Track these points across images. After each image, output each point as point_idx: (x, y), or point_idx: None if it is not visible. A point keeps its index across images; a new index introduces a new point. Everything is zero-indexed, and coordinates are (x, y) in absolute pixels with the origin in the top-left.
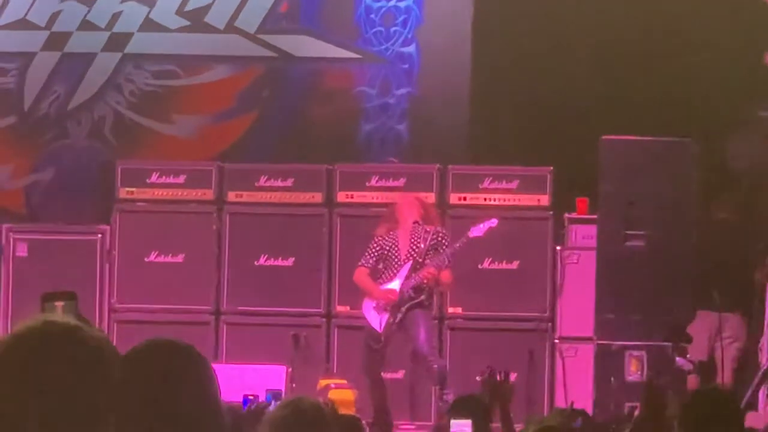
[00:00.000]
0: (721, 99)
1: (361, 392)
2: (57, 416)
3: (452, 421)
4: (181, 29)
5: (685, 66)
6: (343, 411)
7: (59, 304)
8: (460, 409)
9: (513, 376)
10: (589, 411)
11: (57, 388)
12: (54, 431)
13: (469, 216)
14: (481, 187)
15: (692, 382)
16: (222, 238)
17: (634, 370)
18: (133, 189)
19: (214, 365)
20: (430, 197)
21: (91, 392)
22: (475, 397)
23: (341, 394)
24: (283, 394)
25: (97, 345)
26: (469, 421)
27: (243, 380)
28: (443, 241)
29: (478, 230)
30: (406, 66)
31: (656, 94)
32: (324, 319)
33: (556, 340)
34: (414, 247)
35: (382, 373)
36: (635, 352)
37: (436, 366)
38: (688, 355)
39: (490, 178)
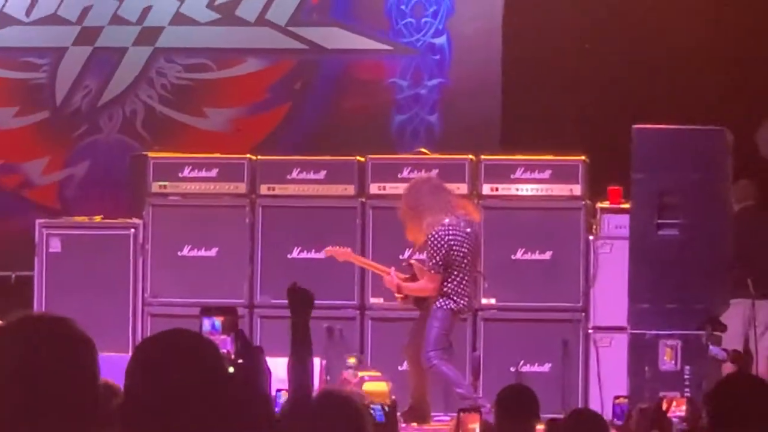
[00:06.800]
0: (756, 88)
1: (395, 384)
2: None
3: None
4: (211, 22)
5: (719, 54)
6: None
7: (219, 318)
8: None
9: (546, 367)
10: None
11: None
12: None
13: (501, 207)
14: (513, 177)
15: (727, 371)
16: (255, 231)
17: (668, 360)
18: (166, 183)
19: None
20: (462, 188)
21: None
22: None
23: (375, 386)
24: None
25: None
26: None
27: (277, 373)
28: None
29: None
30: (438, 57)
31: (689, 82)
32: (358, 312)
33: (590, 330)
34: None
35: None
36: (669, 341)
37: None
38: (722, 345)
39: (523, 168)
